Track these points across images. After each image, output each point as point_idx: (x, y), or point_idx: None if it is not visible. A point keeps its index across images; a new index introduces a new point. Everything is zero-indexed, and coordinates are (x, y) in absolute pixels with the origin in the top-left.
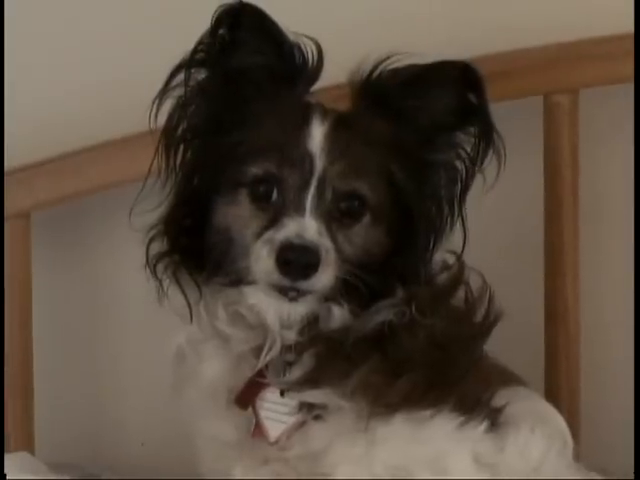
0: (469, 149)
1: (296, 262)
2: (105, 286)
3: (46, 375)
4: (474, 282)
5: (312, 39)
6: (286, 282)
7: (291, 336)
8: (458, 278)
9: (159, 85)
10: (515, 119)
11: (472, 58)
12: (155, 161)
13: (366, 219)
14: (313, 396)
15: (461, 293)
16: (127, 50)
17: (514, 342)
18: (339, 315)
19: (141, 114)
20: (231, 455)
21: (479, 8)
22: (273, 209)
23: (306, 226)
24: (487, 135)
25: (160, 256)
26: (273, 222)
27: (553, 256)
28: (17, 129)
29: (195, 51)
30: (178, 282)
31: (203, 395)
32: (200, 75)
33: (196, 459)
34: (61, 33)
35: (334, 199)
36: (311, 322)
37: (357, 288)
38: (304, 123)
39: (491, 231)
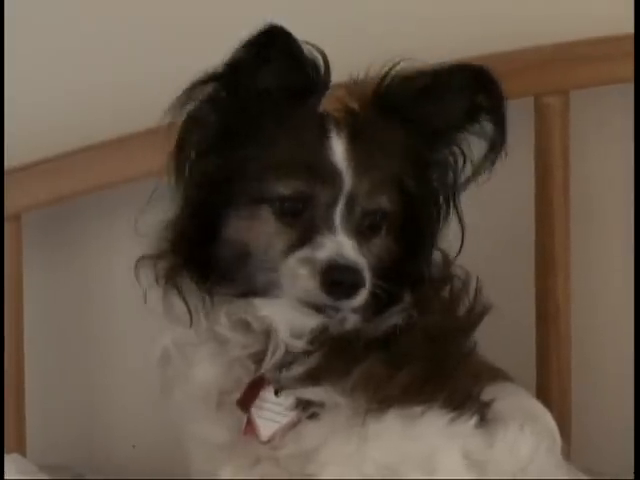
0: (472, 148)
1: (345, 283)
2: (97, 287)
3: (38, 376)
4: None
5: (318, 48)
6: (329, 301)
7: (300, 344)
8: (447, 273)
9: (154, 86)
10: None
11: (463, 60)
12: (153, 163)
13: (383, 230)
14: (313, 393)
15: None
16: (122, 52)
17: (505, 342)
18: (351, 321)
19: (135, 115)
20: (221, 456)
21: (470, 11)
22: (301, 226)
23: (343, 244)
24: (500, 136)
25: (164, 264)
26: (304, 240)
27: (544, 257)
28: (8, 131)
29: (219, 68)
30: (179, 288)
31: (193, 398)
32: (215, 89)
33: (186, 461)
34: (58, 34)
35: (361, 216)
36: (322, 330)
37: (375, 296)
38: (323, 136)
39: (482, 231)
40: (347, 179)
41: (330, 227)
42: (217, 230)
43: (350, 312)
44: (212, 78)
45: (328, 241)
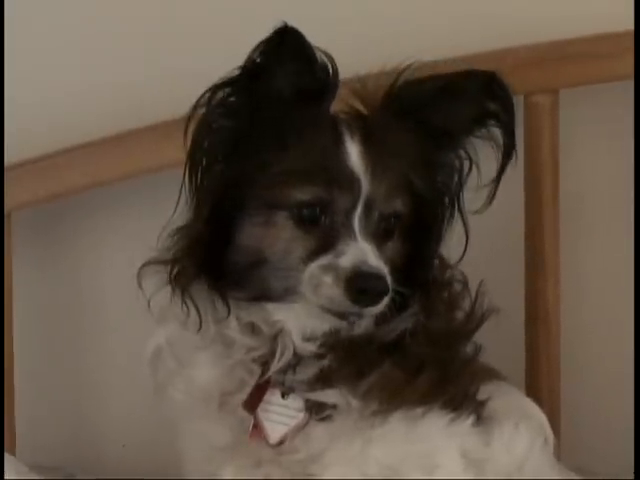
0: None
1: (371, 291)
2: (87, 286)
3: (27, 376)
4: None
5: (325, 52)
6: (354, 309)
7: (311, 348)
8: (446, 276)
9: (148, 86)
10: None
11: (453, 58)
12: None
13: (396, 234)
14: (327, 396)
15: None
16: (116, 52)
17: (495, 343)
18: (363, 325)
19: (126, 114)
20: (222, 457)
21: (460, 10)
22: (321, 232)
23: (366, 251)
24: (509, 142)
25: (176, 270)
26: (325, 247)
27: (534, 257)
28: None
29: (234, 72)
30: (190, 294)
31: (194, 399)
32: (227, 94)
33: (179, 460)
34: (51, 33)
35: (378, 220)
36: (333, 333)
37: (392, 300)
38: (338, 140)
39: (471, 232)
40: (365, 184)
41: (350, 233)
42: (231, 235)
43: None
44: (229, 83)
45: (350, 247)
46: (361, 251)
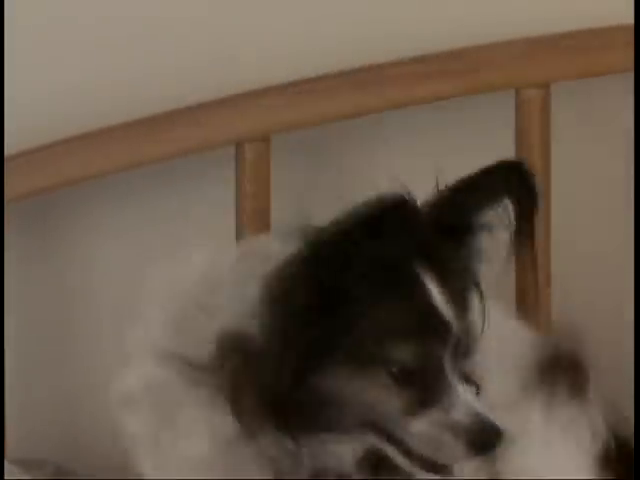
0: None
1: (493, 442)
2: (78, 279)
3: (17, 370)
4: None
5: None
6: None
7: None
8: None
9: (142, 77)
10: (487, 114)
11: (444, 53)
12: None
13: None
14: None
15: None
16: (110, 43)
17: None
18: None
19: (121, 106)
20: None
21: (448, 2)
22: (419, 385)
23: (471, 400)
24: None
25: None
26: (426, 400)
27: (524, 255)
28: None
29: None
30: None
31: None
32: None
33: None
34: (47, 25)
35: (463, 354)
36: None
37: None
38: (422, 285)
39: None
40: (454, 325)
41: (445, 379)
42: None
43: None
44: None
45: (453, 398)
46: (466, 401)
